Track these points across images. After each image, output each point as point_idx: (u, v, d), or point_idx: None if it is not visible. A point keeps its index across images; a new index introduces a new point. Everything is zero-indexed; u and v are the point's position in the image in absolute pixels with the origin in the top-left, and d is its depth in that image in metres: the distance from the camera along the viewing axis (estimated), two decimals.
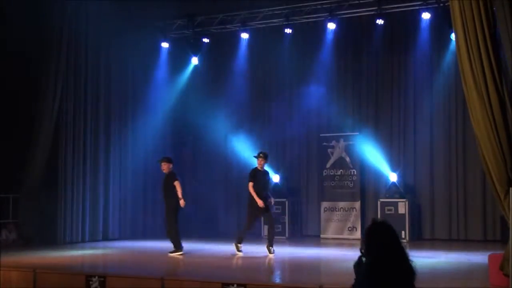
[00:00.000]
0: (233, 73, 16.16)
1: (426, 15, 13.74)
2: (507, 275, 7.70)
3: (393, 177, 14.32)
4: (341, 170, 14.96)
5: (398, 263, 3.74)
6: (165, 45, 15.97)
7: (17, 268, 9.65)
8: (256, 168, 11.83)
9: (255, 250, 12.10)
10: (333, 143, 15.08)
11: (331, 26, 14.49)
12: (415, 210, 14.27)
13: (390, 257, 3.76)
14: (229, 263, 10.95)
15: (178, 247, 11.70)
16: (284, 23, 14.80)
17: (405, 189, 14.23)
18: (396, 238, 3.85)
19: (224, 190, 16.55)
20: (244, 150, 15.25)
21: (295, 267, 10.57)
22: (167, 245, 13.54)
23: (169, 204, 11.69)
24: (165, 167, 11.86)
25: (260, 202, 11.35)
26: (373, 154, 14.71)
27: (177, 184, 11.60)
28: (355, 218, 14.66)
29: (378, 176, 14.79)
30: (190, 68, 16.44)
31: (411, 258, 3.85)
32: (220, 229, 16.28)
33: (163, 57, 16.11)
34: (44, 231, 13.48)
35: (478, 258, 10.65)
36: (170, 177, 11.76)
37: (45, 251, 12.04)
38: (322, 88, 15.50)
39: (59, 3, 13.61)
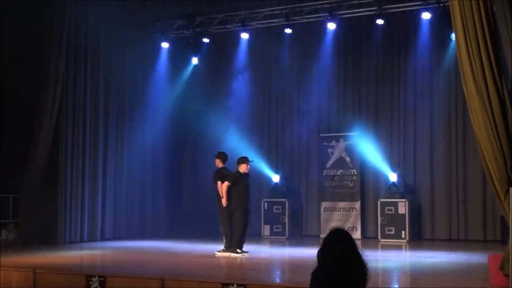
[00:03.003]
0: (233, 73, 16.15)
1: (426, 15, 13.72)
2: (507, 275, 7.70)
3: (393, 177, 14.32)
4: (341, 170, 14.95)
5: (340, 272, 3.79)
6: (165, 45, 15.96)
7: (17, 268, 9.65)
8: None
9: (255, 250, 12.10)
10: (333, 143, 15.08)
11: (331, 26, 14.48)
12: (415, 210, 14.26)
13: (332, 266, 3.81)
14: (229, 263, 10.95)
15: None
16: (284, 23, 14.80)
17: (405, 189, 14.23)
18: (344, 247, 3.87)
19: None
20: (244, 150, 15.24)
21: (295, 267, 10.57)
22: (167, 245, 13.55)
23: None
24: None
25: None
26: (373, 154, 14.71)
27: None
28: (355, 218, 14.66)
29: (378, 176, 14.79)
30: (190, 68, 16.44)
31: (366, 269, 3.88)
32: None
33: (163, 57, 16.10)
34: (44, 231, 13.48)
35: (478, 258, 10.66)
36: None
37: (45, 251, 12.04)
38: (322, 88, 15.49)
39: (59, 3, 13.60)
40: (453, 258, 11.19)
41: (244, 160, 11.70)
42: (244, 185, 11.59)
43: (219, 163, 11.91)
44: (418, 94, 14.71)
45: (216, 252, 11.67)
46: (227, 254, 11.49)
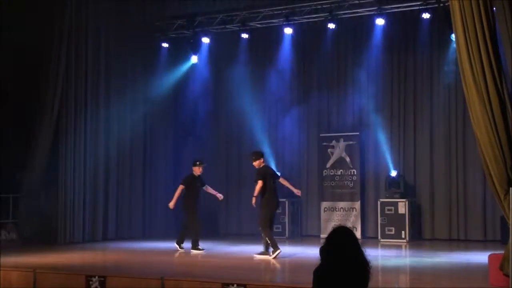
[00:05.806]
0: (233, 73, 16.14)
1: (426, 15, 13.72)
2: (507, 275, 7.71)
3: (393, 177, 14.30)
4: (341, 170, 14.95)
5: (343, 270, 3.78)
6: (165, 45, 15.96)
7: (17, 268, 9.66)
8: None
9: (255, 250, 12.09)
10: (333, 143, 15.08)
11: (332, 26, 14.48)
12: (415, 210, 14.26)
13: (335, 263, 3.81)
14: (229, 263, 10.95)
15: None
16: (284, 23, 14.80)
17: (405, 189, 14.23)
18: (347, 245, 3.86)
19: (224, 190, 16.50)
20: (244, 149, 15.25)
21: (295, 267, 10.57)
22: (167, 245, 13.55)
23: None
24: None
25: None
26: (373, 154, 14.69)
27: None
28: (355, 218, 14.66)
29: (378, 176, 14.79)
30: (190, 68, 16.42)
31: (368, 267, 3.87)
32: (220, 229, 16.28)
33: (163, 57, 16.10)
34: (44, 231, 13.48)
35: (478, 258, 10.65)
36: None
37: (45, 251, 12.04)
38: (322, 88, 15.50)
39: (59, 3, 13.60)
40: (453, 258, 11.20)
41: (194, 163, 12.09)
42: (195, 187, 12.07)
43: (261, 163, 11.42)
44: (418, 94, 14.72)
45: (255, 255, 11.34)
46: (265, 256, 11.18)
